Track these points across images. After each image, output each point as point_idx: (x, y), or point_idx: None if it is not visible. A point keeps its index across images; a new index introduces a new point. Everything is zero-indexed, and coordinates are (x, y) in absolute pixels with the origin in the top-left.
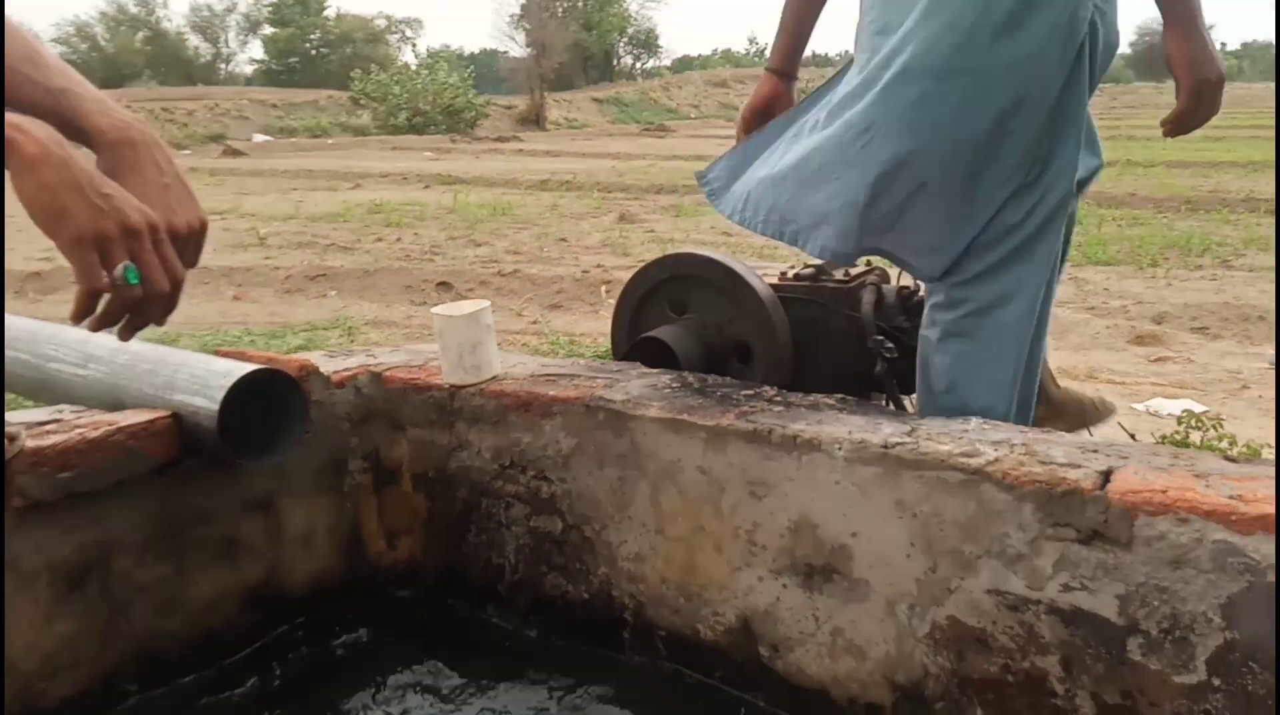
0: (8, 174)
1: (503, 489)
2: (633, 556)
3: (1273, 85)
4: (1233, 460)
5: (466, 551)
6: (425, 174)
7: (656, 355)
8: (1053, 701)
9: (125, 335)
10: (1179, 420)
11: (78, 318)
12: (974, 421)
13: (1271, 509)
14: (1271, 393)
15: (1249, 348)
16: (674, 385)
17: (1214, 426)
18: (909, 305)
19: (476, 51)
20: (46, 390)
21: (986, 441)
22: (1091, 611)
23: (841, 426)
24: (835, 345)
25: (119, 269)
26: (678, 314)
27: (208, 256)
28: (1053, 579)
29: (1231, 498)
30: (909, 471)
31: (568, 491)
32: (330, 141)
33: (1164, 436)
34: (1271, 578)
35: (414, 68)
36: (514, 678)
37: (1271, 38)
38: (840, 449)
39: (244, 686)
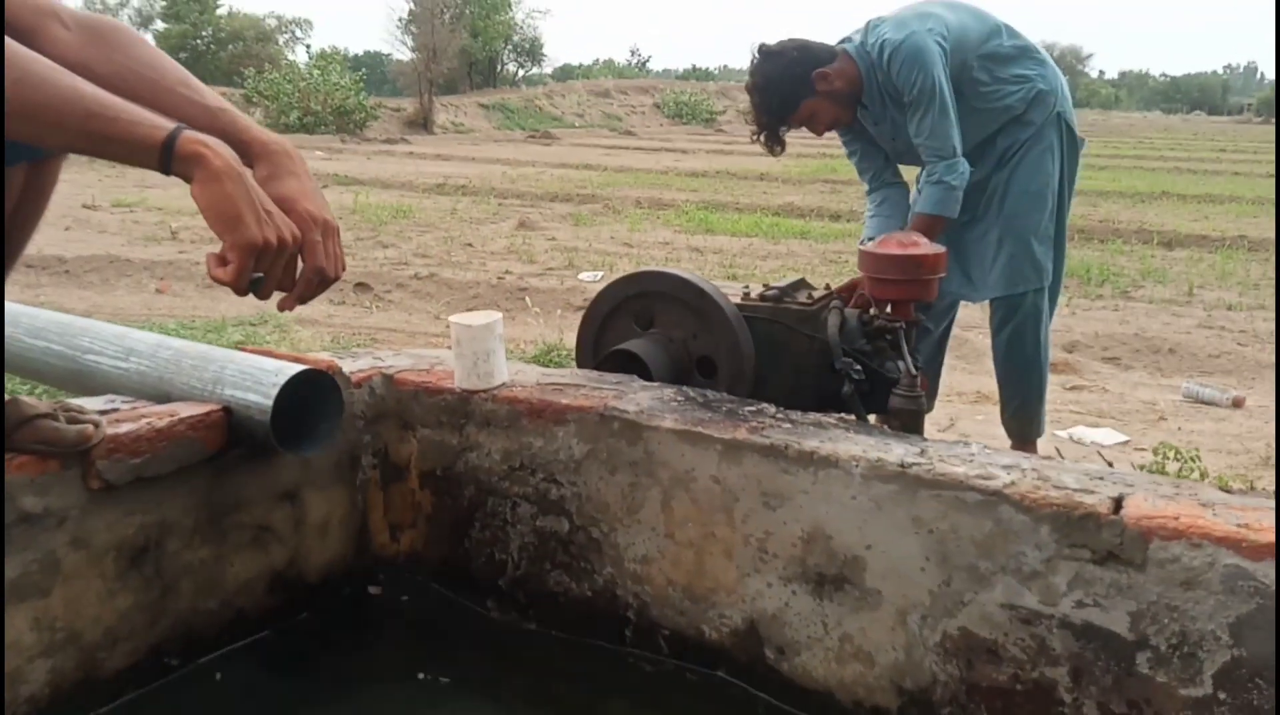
0: (193, 185)
1: (510, 489)
2: (640, 558)
3: (1151, 113)
4: (1228, 491)
5: (469, 547)
6: (320, 173)
7: (625, 367)
8: (1060, 710)
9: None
10: (1154, 451)
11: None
12: (975, 446)
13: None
14: (1190, 425)
15: (1160, 379)
16: (679, 398)
17: (1191, 458)
18: (869, 330)
19: (361, 53)
20: (80, 381)
21: (997, 465)
22: (1103, 627)
23: (855, 445)
24: (797, 365)
25: (253, 276)
26: (643, 328)
27: (124, 248)
28: (1067, 595)
29: (1240, 526)
30: (926, 490)
31: (577, 494)
32: None
33: (1142, 466)
34: None
35: (304, 68)
36: (509, 669)
37: (1146, 68)
38: (858, 466)
39: (259, 665)
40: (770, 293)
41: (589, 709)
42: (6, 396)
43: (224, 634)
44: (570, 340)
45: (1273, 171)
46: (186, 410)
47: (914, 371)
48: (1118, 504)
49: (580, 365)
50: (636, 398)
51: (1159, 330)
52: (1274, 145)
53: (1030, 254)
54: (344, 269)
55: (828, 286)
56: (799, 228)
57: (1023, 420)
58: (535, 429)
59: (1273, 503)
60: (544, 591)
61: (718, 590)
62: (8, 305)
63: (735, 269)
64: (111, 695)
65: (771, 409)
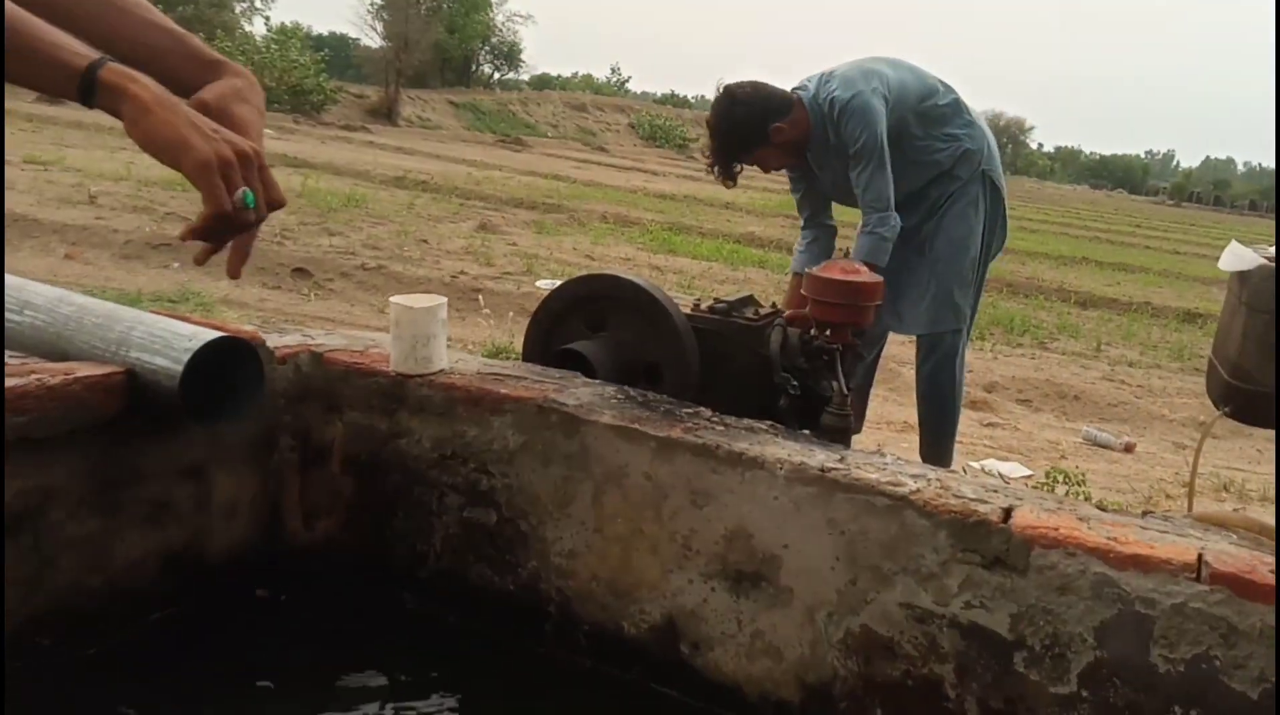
0: (125, 124)
1: (439, 478)
2: (566, 553)
3: (1080, 187)
4: (1103, 508)
5: (389, 537)
6: (268, 153)
7: (572, 367)
8: (945, 705)
9: (237, 269)
10: (1046, 474)
11: (190, 236)
12: (889, 456)
13: (1143, 551)
14: (1086, 464)
15: (1065, 422)
16: (619, 396)
17: (1077, 482)
18: (809, 349)
19: (326, 34)
20: None
21: (906, 474)
22: (987, 627)
23: (781, 449)
24: (740, 378)
25: (238, 194)
26: (593, 331)
27: (33, 208)
28: (957, 596)
29: (1110, 538)
30: (842, 493)
31: (508, 486)
32: None
33: (1037, 485)
34: (1138, 607)
35: (261, 40)
36: (427, 663)
37: (1079, 145)
38: (782, 468)
39: (152, 652)
40: (719, 306)
41: (503, 703)
42: None
43: (109, 615)
44: (521, 344)
45: (1179, 248)
46: (84, 370)
47: (845, 392)
48: (1007, 514)
49: (526, 362)
50: (577, 392)
51: (1068, 378)
52: None
53: (951, 298)
54: (280, 200)
55: (774, 304)
56: (758, 257)
57: (936, 451)
58: (471, 417)
59: (1140, 522)
60: (466, 584)
61: (640, 586)
62: None
63: (693, 290)
64: None
65: (708, 412)
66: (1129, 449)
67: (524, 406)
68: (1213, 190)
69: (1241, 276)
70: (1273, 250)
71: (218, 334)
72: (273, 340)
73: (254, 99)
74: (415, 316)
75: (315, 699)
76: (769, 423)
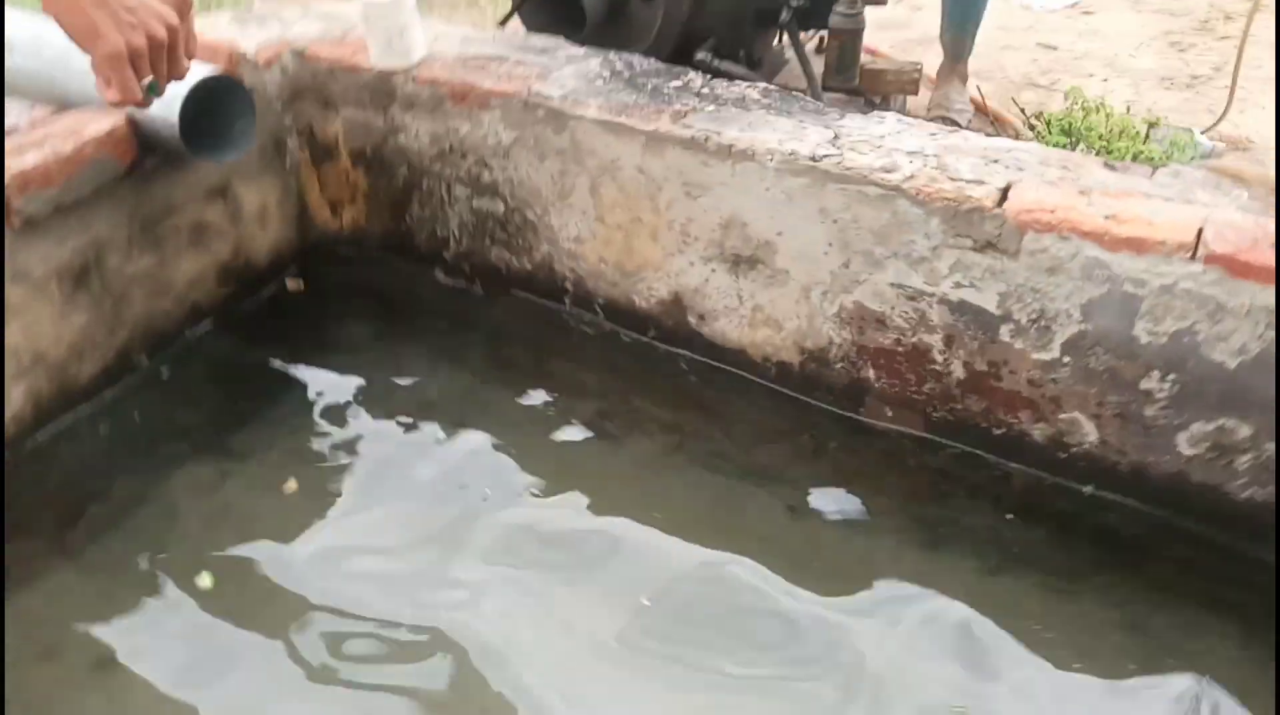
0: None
1: (443, 171)
2: (574, 238)
3: None
4: (1113, 168)
5: (411, 223)
6: None
7: (562, 3)
8: (932, 367)
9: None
10: (1065, 95)
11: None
12: (890, 120)
13: (1139, 232)
14: None
15: None
16: (604, 74)
17: (1098, 108)
18: None
19: None
20: None
21: (902, 152)
22: (975, 303)
23: (772, 133)
24: None
25: (144, 83)
26: None
27: None
28: (947, 278)
29: (1107, 218)
30: (834, 184)
31: (509, 179)
32: None
33: (1048, 122)
34: (1127, 287)
35: None
36: (464, 331)
37: None
38: (772, 159)
39: (228, 345)
40: None
41: (539, 367)
42: None
43: (186, 327)
44: None
45: None
46: (90, 129)
47: None
48: (1004, 195)
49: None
50: (561, 76)
51: None
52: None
53: None
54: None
55: None
56: None
57: (957, 40)
58: (460, 113)
59: (1149, 183)
60: (487, 264)
61: (645, 267)
62: None
63: None
64: (88, 395)
65: (697, 83)
66: None
67: (510, 102)
68: None
69: None
70: None
71: (201, 77)
72: (251, 36)
73: None
74: (385, 11)
75: (373, 364)
76: (763, 88)
